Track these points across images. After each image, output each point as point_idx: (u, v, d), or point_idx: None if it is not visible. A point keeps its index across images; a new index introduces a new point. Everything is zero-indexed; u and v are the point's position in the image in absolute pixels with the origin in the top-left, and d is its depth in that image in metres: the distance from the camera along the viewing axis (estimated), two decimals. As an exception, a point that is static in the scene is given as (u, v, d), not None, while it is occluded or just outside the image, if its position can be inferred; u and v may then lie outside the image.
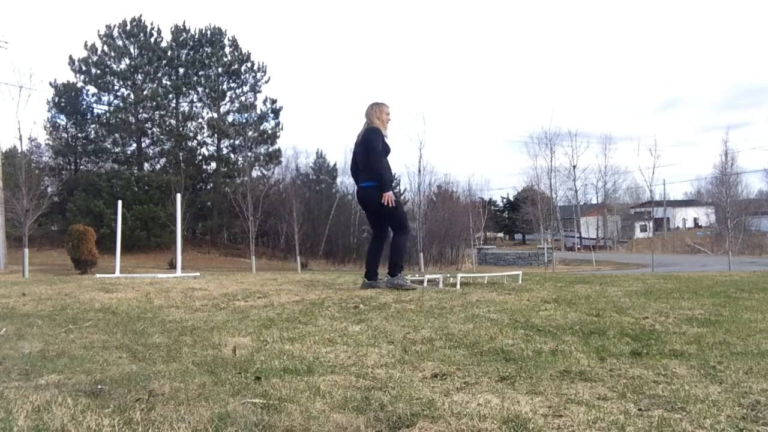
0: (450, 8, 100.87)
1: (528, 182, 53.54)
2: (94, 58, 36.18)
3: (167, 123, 37.44)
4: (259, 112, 39.73)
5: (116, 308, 4.23)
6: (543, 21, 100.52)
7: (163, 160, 38.43)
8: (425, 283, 5.77)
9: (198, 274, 9.37)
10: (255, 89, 40.02)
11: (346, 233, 40.88)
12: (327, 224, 40.13)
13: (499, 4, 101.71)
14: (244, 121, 39.13)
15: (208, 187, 40.11)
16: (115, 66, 36.58)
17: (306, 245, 36.38)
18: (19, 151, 24.67)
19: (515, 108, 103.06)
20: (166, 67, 38.29)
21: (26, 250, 19.87)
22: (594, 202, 61.44)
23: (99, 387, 2.13)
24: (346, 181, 42.35)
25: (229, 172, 38.93)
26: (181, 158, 37.36)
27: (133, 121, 36.84)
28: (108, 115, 36.60)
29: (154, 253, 32.21)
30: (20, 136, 22.45)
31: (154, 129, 37.74)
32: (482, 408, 1.88)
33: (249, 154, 38.12)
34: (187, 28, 38.95)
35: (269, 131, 39.60)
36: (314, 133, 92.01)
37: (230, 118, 39.65)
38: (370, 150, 5.13)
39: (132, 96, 36.78)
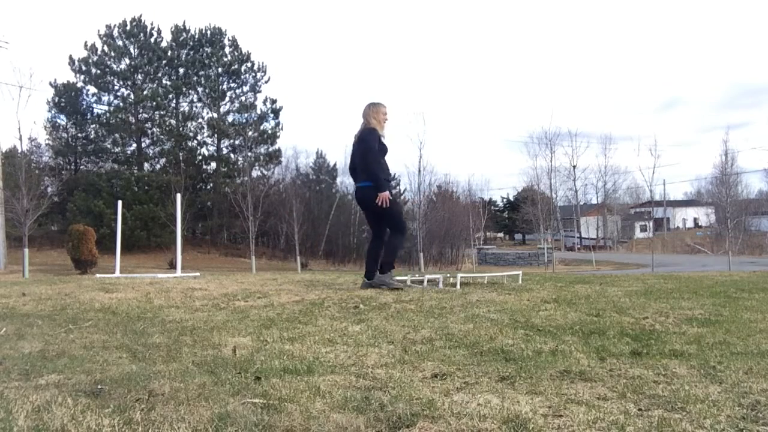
0: (450, 8, 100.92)
1: (528, 182, 53.63)
2: (94, 58, 36.19)
3: (167, 123, 37.45)
4: (259, 112, 39.78)
5: (116, 308, 4.23)
6: (543, 21, 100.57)
7: (163, 160, 38.44)
8: (425, 283, 5.77)
9: (198, 274, 9.37)
10: (255, 89, 40.08)
11: (346, 233, 40.89)
12: (327, 224, 40.13)
13: (498, 4, 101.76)
14: (244, 121, 39.15)
15: (208, 187, 40.11)
16: (115, 66, 36.60)
17: (306, 245, 36.39)
18: (19, 151, 24.68)
19: (515, 108, 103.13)
20: (166, 67, 38.30)
21: (26, 250, 19.87)
22: (594, 202, 61.47)
23: (99, 387, 2.13)
24: (346, 181, 42.35)
25: (229, 172, 38.94)
26: (181, 158, 37.37)
27: (133, 121, 36.85)
28: (108, 115, 36.61)
29: (154, 253, 32.21)
30: (20, 136, 22.50)
31: (154, 129, 37.76)
32: (482, 408, 1.88)
33: (249, 154, 38.13)
34: (187, 28, 39.01)
35: (269, 131, 39.63)
36: (314, 133, 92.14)
37: (230, 118, 39.68)
38: (367, 150, 5.16)
39: (132, 96, 36.79)
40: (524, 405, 1.89)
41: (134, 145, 38.37)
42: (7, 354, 2.73)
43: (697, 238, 51.87)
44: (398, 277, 6.24)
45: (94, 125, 37.58)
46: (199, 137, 39.41)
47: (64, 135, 37.99)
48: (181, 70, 38.47)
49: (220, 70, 38.81)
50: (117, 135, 37.24)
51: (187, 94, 38.62)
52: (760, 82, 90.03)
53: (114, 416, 1.79)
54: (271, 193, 37.07)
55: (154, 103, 36.24)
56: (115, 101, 37.23)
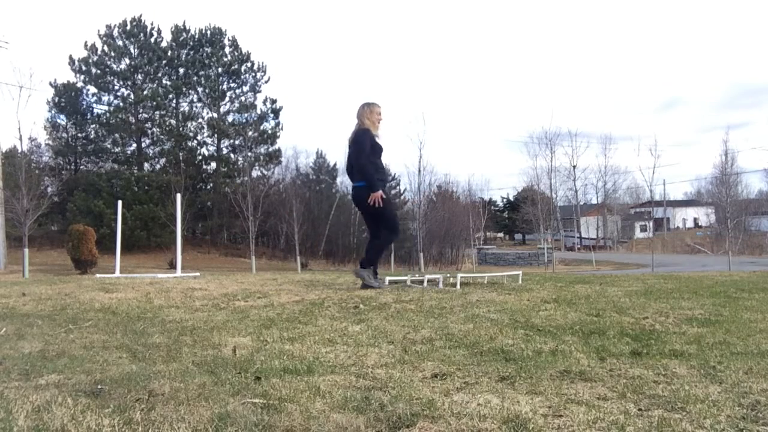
0: (450, 8, 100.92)
1: (528, 182, 53.62)
2: (94, 58, 36.18)
3: (167, 123, 37.45)
4: (259, 112, 39.77)
5: (116, 308, 4.23)
6: (543, 21, 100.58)
7: (163, 160, 38.43)
8: (425, 283, 5.77)
9: (198, 274, 9.37)
10: (255, 89, 40.07)
11: (346, 233, 40.89)
12: (327, 224, 40.13)
13: (498, 4, 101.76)
14: (244, 121, 39.14)
15: (208, 187, 40.11)
16: (115, 66, 36.59)
17: (306, 245, 36.38)
18: (19, 151, 24.66)
19: (515, 108, 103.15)
20: (166, 67, 38.29)
21: (26, 250, 19.87)
22: (594, 202, 61.47)
23: (99, 387, 2.13)
24: (346, 181, 42.27)
25: (229, 172, 38.93)
26: (181, 158, 37.35)
27: (133, 121, 36.84)
28: (108, 115, 36.60)
29: (154, 253, 32.21)
30: (20, 136, 22.46)
31: (154, 129, 37.75)
32: (482, 408, 1.88)
33: (249, 154, 38.13)
34: (187, 28, 38.99)
35: (269, 131, 39.62)
36: (314, 133, 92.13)
37: (230, 118, 39.67)
38: (360, 151, 5.19)
39: (132, 96, 36.78)
40: (524, 405, 1.89)
41: (134, 145, 38.36)
42: (7, 354, 2.73)
43: (697, 238, 51.87)
44: (398, 277, 6.24)
45: (94, 125, 37.57)
46: (199, 137, 39.45)
47: (64, 135, 37.99)
48: (181, 70, 38.46)
49: (220, 70, 38.80)
50: (117, 135, 37.23)
51: (187, 94, 38.61)
52: (760, 82, 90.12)
53: (114, 416, 1.79)
54: (271, 193, 37.07)
55: (154, 103, 36.24)
56: (115, 101, 37.24)
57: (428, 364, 2.50)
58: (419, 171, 33.24)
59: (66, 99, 36.24)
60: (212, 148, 39.95)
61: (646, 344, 2.86)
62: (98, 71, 36.11)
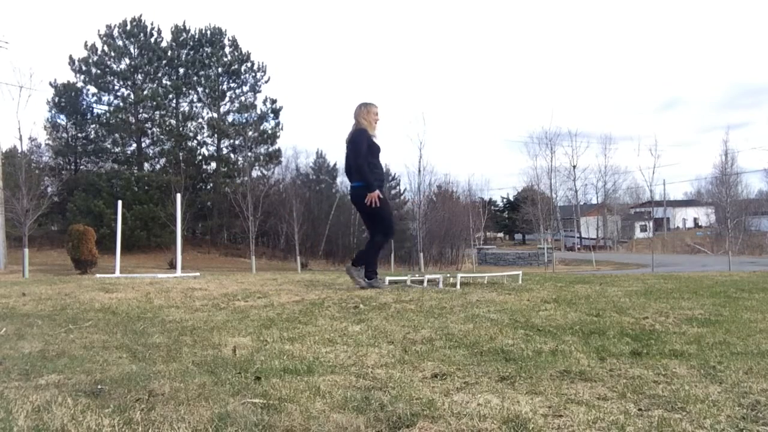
0: (450, 8, 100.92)
1: (528, 182, 53.62)
2: (94, 58, 36.19)
3: (167, 123, 37.45)
4: (259, 112, 39.77)
5: (116, 308, 4.23)
6: (543, 21, 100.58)
7: (163, 160, 38.43)
8: (425, 283, 5.77)
9: (198, 274, 9.37)
10: (255, 89, 40.08)
11: (346, 233, 40.89)
12: (327, 224, 40.14)
13: (498, 4, 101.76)
14: (244, 121, 39.15)
15: (208, 187, 40.11)
16: (115, 66, 36.60)
17: (306, 245, 36.39)
18: (19, 151, 24.67)
19: (515, 108, 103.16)
20: (166, 67, 38.29)
21: (26, 250, 19.86)
22: (594, 202, 61.47)
23: (99, 387, 2.13)
24: (346, 181, 41.64)
25: (229, 172, 38.94)
26: (181, 158, 37.36)
27: (133, 121, 36.84)
28: (108, 115, 36.61)
29: (154, 253, 32.21)
30: (20, 136, 22.47)
31: (154, 129, 37.75)
32: (482, 408, 1.88)
33: (249, 154, 38.14)
34: (187, 28, 39.01)
35: (269, 131, 39.62)
36: (314, 133, 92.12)
37: (230, 118, 39.68)
38: (356, 151, 5.21)
39: (132, 96, 36.78)
40: (524, 405, 1.89)
41: (134, 145, 38.37)
42: (7, 354, 2.73)
43: (697, 238, 51.87)
44: (398, 277, 6.25)
45: (94, 125, 37.58)
46: (199, 137, 39.45)
47: (64, 135, 38.00)
48: (181, 70, 38.46)
49: (220, 70, 38.80)
50: (117, 135, 37.23)
51: (187, 94, 38.61)
52: (760, 82, 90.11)
53: (114, 416, 1.79)
54: (271, 193, 37.07)
55: (154, 103, 36.24)
56: (115, 101, 37.25)
57: (428, 364, 2.50)
58: (419, 171, 33.30)
59: (66, 99, 36.24)
60: (212, 148, 40.00)
61: (646, 344, 2.86)
62: (98, 71, 36.12)
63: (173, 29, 38.71)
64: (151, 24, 37.37)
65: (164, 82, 37.90)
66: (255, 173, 38.91)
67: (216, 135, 39.06)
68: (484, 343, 2.89)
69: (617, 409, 1.87)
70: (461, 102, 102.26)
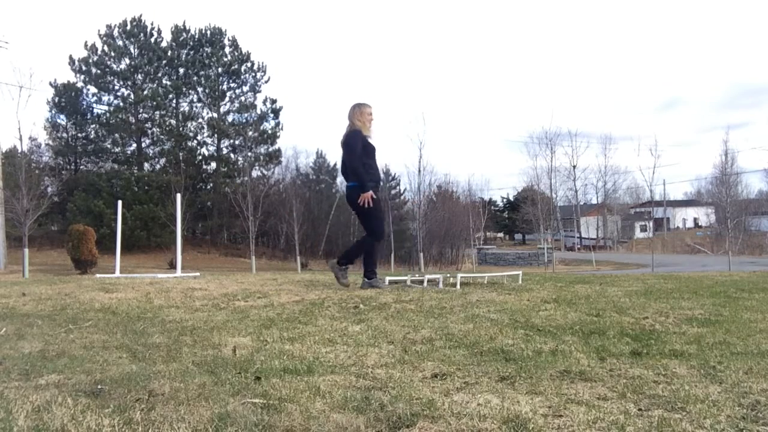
0: (450, 8, 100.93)
1: (528, 182, 53.61)
2: (94, 58, 36.20)
3: (167, 123, 37.46)
4: (259, 112, 39.78)
5: (116, 308, 4.23)
6: (543, 21, 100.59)
7: (163, 160, 38.44)
8: (425, 283, 5.77)
9: (198, 274, 9.37)
10: (255, 89, 40.09)
11: (346, 233, 40.88)
12: (327, 224, 40.15)
13: (498, 4, 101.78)
14: (244, 121, 39.16)
15: (208, 187, 40.12)
16: (115, 66, 36.61)
17: (306, 245, 36.39)
18: (19, 151, 24.68)
19: (515, 108, 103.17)
20: (166, 67, 38.30)
21: (26, 250, 19.86)
22: (594, 202, 61.46)
23: (99, 387, 2.13)
24: (345, 182, 42.27)
25: (229, 172, 38.94)
26: (181, 158, 37.37)
27: (133, 121, 36.85)
28: (108, 115, 36.62)
29: (154, 253, 32.21)
30: (20, 136, 22.47)
31: (154, 129, 37.76)
32: (482, 408, 1.88)
33: (249, 154, 38.16)
34: (187, 28, 39.02)
35: (269, 131, 39.63)
36: (314, 133, 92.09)
37: (230, 118, 39.69)
38: (351, 152, 5.23)
39: (132, 96, 36.79)
40: (524, 405, 1.89)
41: (134, 145, 38.38)
42: (7, 354, 2.73)
43: (697, 238, 51.87)
44: (398, 277, 6.25)
45: (94, 125, 37.59)
46: (199, 137, 39.47)
47: (64, 135, 38.01)
48: (181, 70, 38.47)
49: (220, 70, 38.81)
50: (117, 135, 37.24)
51: (187, 94, 38.62)
52: (760, 82, 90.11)
53: (114, 416, 1.79)
54: (271, 193, 37.08)
55: (154, 103, 36.24)
56: (115, 101, 37.27)
57: (428, 364, 2.50)
58: (419, 171, 33.31)
59: (66, 99, 36.25)
60: (212, 148, 40.01)
61: (646, 344, 2.87)
62: (98, 71, 36.12)
63: (173, 29, 38.76)
64: (151, 24, 37.43)
65: (164, 82, 37.91)
66: (255, 173, 38.95)
67: (216, 135, 39.07)
68: (484, 343, 2.89)
69: (617, 409, 1.87)
70: (461, 102, 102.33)
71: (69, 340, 3.08)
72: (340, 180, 44.34)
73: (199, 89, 38.75)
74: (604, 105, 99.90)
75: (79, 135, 37.99)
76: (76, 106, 36.62)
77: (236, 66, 39.11)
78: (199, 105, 39.19)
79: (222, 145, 39.82)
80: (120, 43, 36.70)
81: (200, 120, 39.20)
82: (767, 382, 2.17)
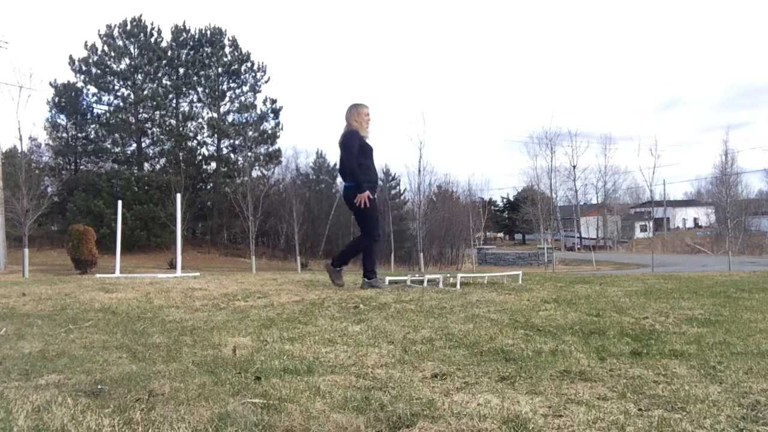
0: (450, 8, 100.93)
1: (528, 182, 53.61)
2: (94, 58, 36.19)
3: (167, 123, 37.45)
4: (259, 112, 39.78)
5: (116, 308, 4.23)
6: (543, 21, 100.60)
7: (163, 160, 38.44)
8: (425, 283, 5.77)
9: (198, 274, 9.38)
10: (255, 89, 40.08)
11: (346, 233, 40.81)
12: (327, 224, 40.14)
13: (498, 4, 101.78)
14: (244, 121, 39.16)
15: (208, 187, 40.11)
16: (115, 66, 36.60)
17: (306, 245, 36.39)
18: (19, 151, 24.68)
19: (515, 108, 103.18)
20: (166, 67, 38.30)
21: (26, 250, 19.86)
22: (594, 202, 61.46)
23: (99, 387, 2.13)
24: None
25: (229, 172, 38.94)
26: (181, 158, 37.36)
27: (133, 121, 36.85)
28: (108, 115, 36.61)
29: (154, 253, 32.20)
30: (20, 136, 22.47)
31: (154, 129, 37.76)
32: (482, 408, 1.88)
33: (249, 154, 38.16)
34: (187, 28, 39.01)
35: (269, 131, 39.63)
36: (314, 133, 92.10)
37: (230, 118, 39.69)
38: (348, 153, 5.25)
39: (132, 96, 36.79)
40: (524, 405, 1.89)
41: (134, 145, 38.38)
42: (7, 354, 2.73)
43: (697, 238, 51.86)
44: (398, 277, 6.25)
45: (94, 125, 37.58)
46: (199, 137, 39.46)
47: (64, 135, 38.01)
48: (181, 70, 38.47)
49: (220, 70, 38.81)
50: (117, 135, 37.23)
51: (187, 94, 38.62)
52: (760, 82, 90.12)
53: (114, 416, 1.79)
54: (271, 193, 37.08)
55: (154, 103, 36.24)
56: (115, 101, 37.26)
57: (428, 364, 2.50)
58: (419, 171, 33.31)
59: (66, 99, 36.24)
60: (212, 148, 40.01)
61: (646, 344, 2.86)
62: (98, 71, 36.12)
63: (173, 29, 38.76)
64: (151, 24, 37.42)
65: (164, 82, 37.91)
66: (255, 173, 38.94)
67: (216, 135, 39.07)
68: (484, 343, 2.89)
69: (617, 409, 1.87)
70: (461, 102, 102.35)
71: (69, 340, 3.08)
72: (340, 180, 44.25)
73: (199, 89, 38.75)
74: (604, 105, 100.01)
75: (79, 135, 37.98)
76: (76, 106, 36.62)
77: (236, 66, 39.11)
78: (199, 105, 39.23)
79: (222, 145, 39.83)
80: (120, 43, 36.70)
81: (200, 120, 39.24)
82: (767, 382, 2.17)
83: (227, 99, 39.78)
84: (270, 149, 39.72)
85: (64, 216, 33.49)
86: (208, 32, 39.06)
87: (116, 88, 37.20)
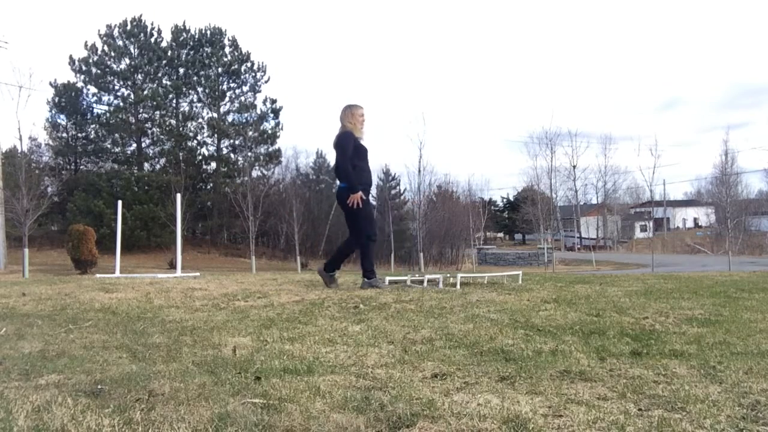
0: (450, 8, 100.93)
1: (528, 182, 53.59)
2: (95, 58, 36.20)
3: (167, 123, 37.46)
4: (259, 112, 39.78)
5: (116, 308, 4.23)
6: (543, 21, 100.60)
7: (163, 160, 38.45)
8: (425, 283, 5.77)
9: (198, 274, 9.38)
10: (255, 89, 40.09)
11: (346, 233, 40.54)
12: (327, 224, 40.12)
13: (498, 4, 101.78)
14: (244, 121, 39.16)
15: (208, 187, 40.12)
16: (115, 66, 36.60)
17: (306, 245, 36.37)
18: (19, 151, 24.68)
19: (515, 108, 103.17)
20: (166, 67, 38.30)
21: (26, 250, 19.86)
22: (594, 202, 61.45)
23: (99, 387, 2.13)
24: (345, 182, 42.21)
25: (229, 172, 38.94)
26: (181, 158, 37.37)
27: (133, 121, 36.85)
28: (108, 115, 36.62)
29: (154, 253, 32.21)
30: (20, 136, 22.48)
31: (154, 129, 37.77)
32: (482, 408, 1.87)
33: (249, 154, 38.16)
34: (187, 28, 39.02)
35: (269, 131, 39.63)
36: (314, 133, 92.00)
37: (230, 118, 39.69)
38: (342, 154, 5.26)
39: (132, 96, 36.80)
40: (524, 405, 1.89)
41: (134, 145, 38.39)
42: (7, 354, 2.73)
43: (697, 238, 51.87)
44: (398, 277, 6.25)
45: (94, 125, 37.59)
46: (199, 137, 39.47)
47: (64, 135, 38.01)
48: (181, 70, 38.48)
49: (220, 70, 38.81)
50: (117, 135, 37.24)
51: (187, 94, 38.62)
52: (760, 82, 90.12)
53: (114, 416, 1.79)
54: (271, 193, 37.08)
55: (154, 103, 36.24)
56: (115, 101, 37.26)
57: (428, 364, 2.50)
58: (419, 171, 33.29)
59: (66, 99, 36.25)
60: (212, 148, 40.00)
61: (646, 344, 2.86)
62: (98, 71, 36.12)
63: (173, 29, 38.76)
64: (151, 24, 37.43)
65: (164, 82, 37.91)
66: (255, 173, 38.93)
67: (216, 135, 39.07)
68: (484, 343, 2.89)
69: (617, 409, 1.87)
70: (461, 102, 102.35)
71: (69, 340, 3.08)
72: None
73: (199, 89, 38.76)
74: (604, 105, 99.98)
75: (79, 135, 37.99)
76: (76, 106, 36.62)
77: (236, 66, 39.12)
78: (199, 105, 39.23)
79: (222, 145, 39.83)
80: (120, 43, 36.70)
81: (200, 120, 39.24)
82: (767, 382, 2.17)
83: (227, 99, 39.81)
84: (270, 149, 39.73)
85: (64, 216, 33.50)
86: (208, 32, 39.07)
87: (116, 88, 37.22)
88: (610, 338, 3.01)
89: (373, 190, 42.41)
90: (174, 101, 38.19)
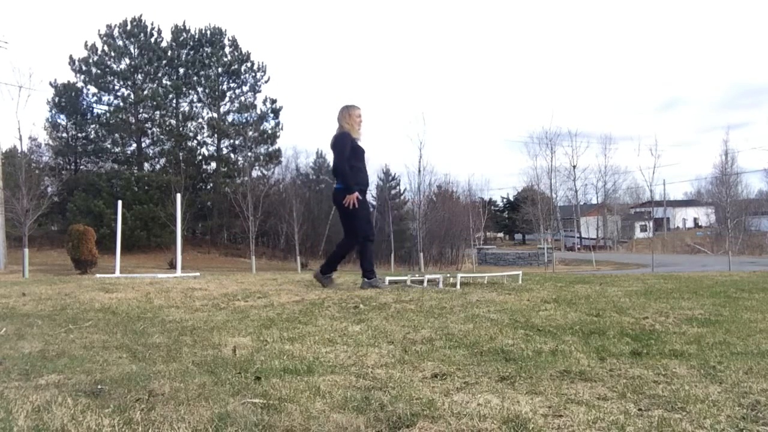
0: (450, 8, 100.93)
1: (528, 182, 53.58)
2: (95, 58, 36.20)
3: (167, 123, 37.46)
4: (259, 112, 39.79)
5: (116, 308, 4.23)
6: (543, 21, 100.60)
7: (163, 160, 38.46)
8: (425, 283, 5.77)
9: (198, 274, 9.38)
10: (255, 89, 40.10)
11: (345, 234, 40.80)
12: (327, 224, 40.10)
13: (498, 4, 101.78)
14: (244, 121, 39.17)
15: (208, 187, 40.13)
16: (115, 66, 36.61)
17: (306, 245, 36.38)
18: (19, 151, 24.69)
19: (515, 108, 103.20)
20: (166, 67, 38.31)
21: (26, 250, 19.86)
22: (594, 202, 61.45)
23: (99, 387, 2.13)
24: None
25: (229, 172, 38.95)
26: (181, 158, 37.37)
27: (133, 121, 36.85)
28: (108, 115, 36.62)
29: (154, 253, 32.21)
30: (20, 136, 22.49)
31: (154, 129, 37.77)
32: (482, 408, 1.87)
33: (249, 154, 38.17)
34: (187, 28, 39.03)
35: (269, 131, 39.64)
36: (314, 133, 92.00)
37: (230, 118, 39.70)
38: (339, 155, 5.26)
39: (132, 96, 36.80)
40: (524, 405, 1.89)
41: (134, 145, 38.40)
42: (7, 354, 2.73)
43: (697, 238, 51.87)
44: (398, 277, 6.25)
45: (94, 125, 37.60)
46: (199, 137, 39.48)
47: (64, 135, 38.02)
48: (181, 70, 38.48)
49: (220, 70, 38.81)
50: (117, 135, 37.25)
51: (187, 94, 38.63)
52: (760, 82, 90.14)
53: (114, 416, 1.79)
54: (271, 193, 37.09)
55: (154, 103, 36.25)
56: (115, 101, 37.28)
57: (428, 364, 2.50)
58: (419, 171, 33.31)
59: (66, 99, 36.25)
60: (212, 148, 40.02)
61: (646, 344, 2.86)
62: (98, 71, 36.12)
63: (173, 29, 38.77)
64: (151, 24, 37.44)
65: (164, 82, 37.92)
66: (255, 173, 38.94)
67: (216, 135, 39.08)
68: (484, 343, 2.89)
69: (617, 409, 1.87)
70: (461, 102, 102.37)
71: (69, 340, 3.08)
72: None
73: (199, 89, 38.76)
74: (604, 105, 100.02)
75: (79, 135, 38.00)
76: (76, 106, 36.63)
77: (236, 66, 39.12)
78: (199, 105, 39.24)
79: (222, 145, 39.84)
80: (120, 43, 36.71)
81: (200, 120, 39.26)
82: (767, 382, 2.17)
83: (227, 99, 39.82)
84: (270, 149, 39.74)
85: (64, 216, 33.49)
86: (208, 32, 39.07)
87: (116, 88, 37.23)
88: (610, 338, 3.01)
89: (373, 190, 42.49)
90: (174, 101, 38.21)
